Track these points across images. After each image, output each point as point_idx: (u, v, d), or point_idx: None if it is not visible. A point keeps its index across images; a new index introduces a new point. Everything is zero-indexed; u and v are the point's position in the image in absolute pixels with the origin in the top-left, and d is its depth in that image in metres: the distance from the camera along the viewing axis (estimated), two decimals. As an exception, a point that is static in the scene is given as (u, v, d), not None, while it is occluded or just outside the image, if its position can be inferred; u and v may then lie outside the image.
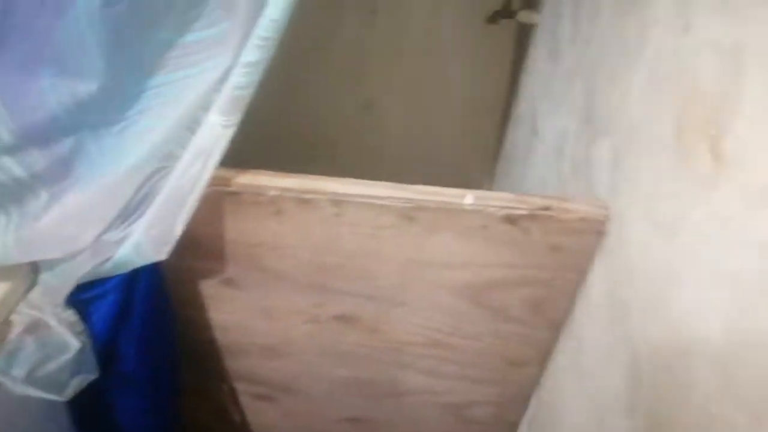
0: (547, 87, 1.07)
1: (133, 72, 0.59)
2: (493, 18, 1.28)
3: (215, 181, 0.66)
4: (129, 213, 0.64)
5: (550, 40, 1.09)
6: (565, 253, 0.69)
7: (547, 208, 0.64)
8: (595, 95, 0.77)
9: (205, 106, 0.62)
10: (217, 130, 0.62)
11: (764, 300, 0.34)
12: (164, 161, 0.63)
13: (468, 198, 0.65)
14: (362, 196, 0.66)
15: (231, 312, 0.84)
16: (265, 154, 1.69)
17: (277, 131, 1.67)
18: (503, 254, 0.70)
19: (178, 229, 0.64)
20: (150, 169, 0.63)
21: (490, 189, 1.72)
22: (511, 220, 0.65)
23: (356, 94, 1.65)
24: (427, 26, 1.54)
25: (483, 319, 0.80)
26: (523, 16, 1.24)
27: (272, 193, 0.67)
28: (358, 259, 0.73)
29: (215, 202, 0.69)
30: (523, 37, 1.38)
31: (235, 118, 0.62)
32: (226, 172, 0.67)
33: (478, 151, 1.70)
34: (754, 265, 0.35)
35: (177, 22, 0.59)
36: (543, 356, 0.84)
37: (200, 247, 0.74)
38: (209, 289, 0.81)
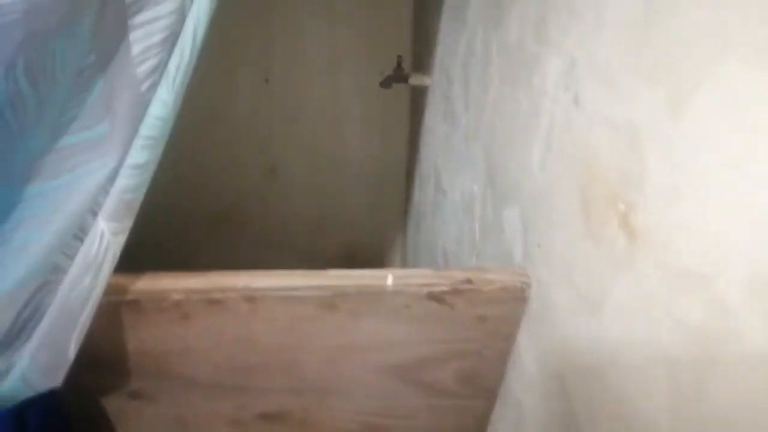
0: (447, 148, 1.09)
1: (1, 186, 0.52)
2: (387, 82, 1.31)
3: (111, 290, 0.60)
4: (11, 339, 0.55)
5: (443, 103, 1.12)
6: (491, 322, 0.68)
7: (468, 282, 0.63)
8: (496, 162, 0.79)
9: (92, 211, 0.56)
10: (107, 239, 0.56)
11: (705, 385, 0.34)
12: (49, 275, 0.56)
13: (388, 279, 0.63)
14: (277, 288, 0.62)
15: (141, 427, 0.75)
16: (170, 228, 1.60)
17: (179, 202, 1.59)
18: (429, 331, 0.68)
19: (72, 351, 0.57)
20: (32, 288, 0.55)
21: (402, 245, 1.73)
22: (434, 297, 0.63)
23: (259, 160, 1.61)
24: (322, 92, 1.55)
25: (416, 396, 0.77)
26: (415, 79, 1.27)
27: (176, 296, 0.61)
28: (278, 354, 0.68)
29: (112, 313, 0.62)
30: (417, 99, 1.42)
31: (126, 224, 0.57)
32: (122, 279, 0.61)
33: (385, 210, 1.70)
34: (689, 347, 0.35)
35: (50, 125, 0.54)
36: (482, 426, 0.82)
37: (99, 360, 0.66)
38: (114, 404, 0.72)
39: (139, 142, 0.56)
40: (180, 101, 0.56)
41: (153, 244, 1.59)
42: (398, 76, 1.29)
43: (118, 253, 0.57)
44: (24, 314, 0.56)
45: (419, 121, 1.36)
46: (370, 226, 1.72)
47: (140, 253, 1.38)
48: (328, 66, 1.51)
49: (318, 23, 1.48)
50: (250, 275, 0.63)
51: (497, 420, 0.81)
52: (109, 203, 0.56)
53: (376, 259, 1.74)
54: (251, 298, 0.62)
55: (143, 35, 0.55)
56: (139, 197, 0.57)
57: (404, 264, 1.66)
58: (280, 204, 1.66)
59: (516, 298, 0.65)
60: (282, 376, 0.71)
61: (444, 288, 0.63)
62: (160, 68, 0.56)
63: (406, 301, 0.64)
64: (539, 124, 0.63)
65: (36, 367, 0.56)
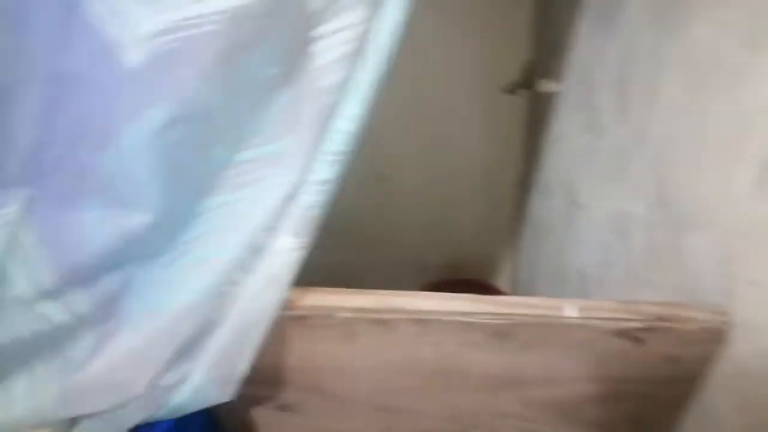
0: (588, 160, 1.02)
1: (184, 197, 0.51)
2: (511, 88, 1.25)
3: (282, 304, 0.58)
4: (187, 351, 0.55)
5: (583, 112, 1.05)
6: (682, 365, 0.61)
7: (663, 319, 0.57)
8: (672, 181, 0.72)
9: (271, 227, 0.54)
10: (288, 254, 0.54)
11: None
12: (228, 288, 0.55)
13: (572, 311, 0.57)
14: (448, 312, 0.58)
15: (283, 439, 0.73)
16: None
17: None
18: (608, 368, 0.62)
19: (246, 365, 0.55)
20: (209, 300, 0.54)
21: (511, 257, 1.66)
22: (624, 333, 0.58)
23: (366, 167, 1.59)
24: (436, 95, 1.50)
25: (571, 432, 0.71)
26: (543, 85, 1.20)
27: (345, 315, 0.58)
28: (437, 378, 0.65)
29: (279, 326, 0.60)
30: (540, 106, 1.35)
31: (308, 239, 0.54)
32: (291, 293, 0.59)
33: (495, 220, 1.64)
34: None
35: (234, 138, 0.52)
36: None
37: (257, 371, 0.64)
38: (262, 415, 0.71)
39: (326, 158, 0.54)
40: (366, 112, 0.53)
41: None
42: (525, 82, 1.22)
43: (296, 269, 0.55)
44: (201, 327, 0.54)
45: (542, 129, 1.29)
46: (478, 237, 1.67)
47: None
48: (442, 68, 1.47)
49: (435, 23, 1.44)
50: (421, 297, 0.60)
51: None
52: (293, 218, 0.54)
53: (483, 271, 1.69)
54: (420, 321, 0.58)
55: (326, 47, 0.53)
56: (322, 213, 0.54)
57: (516, 279, 1.59)
58: (386, 212, 1.64)
59: (713, 340, 0.58)
60: (436, 400, 0.68)
61: (636, 324, 0.57)
62: (346, 82, 0.53)
63: (590, 336, 0.58)
64: (750, 143, 0.56)
65: (209, 380, 0.55)
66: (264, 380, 0.65)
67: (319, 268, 1.69)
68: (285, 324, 0.60)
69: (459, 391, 0.66)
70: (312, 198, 0.53)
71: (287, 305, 0.59)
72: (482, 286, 1.64)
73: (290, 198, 0.53)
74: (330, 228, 1.68)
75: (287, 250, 0.54)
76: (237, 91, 0.51)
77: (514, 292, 1.60)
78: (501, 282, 1.69)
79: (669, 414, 0.69)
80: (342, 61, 0.53)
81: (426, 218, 1.65)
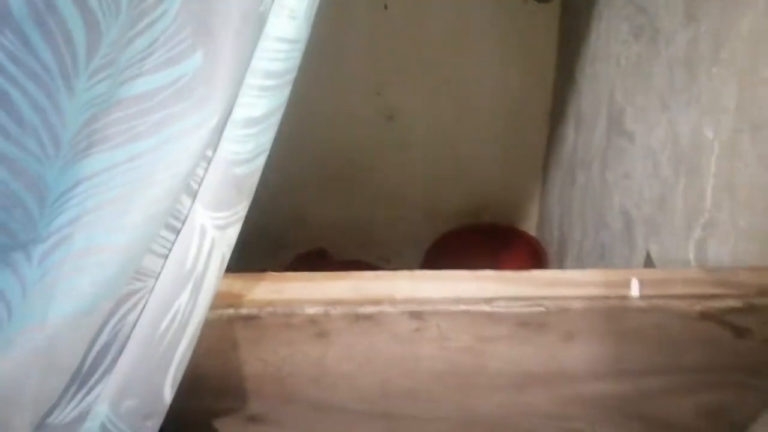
0: (638, 77, 0.81)
1: (48, 158, 0.33)
2: (542, -6, 1.02)
3: (219, 301, 0.42)
4: (84, 378, 0.39)
5: (631, 15, 0.83)
6: (782, 348, 0.43)
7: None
8: (764, 97, 0.51)
9: (188, 190, 0.37)
10: (210, 236, 0.37)
11: None
12: (133, 283, 0.38)
13: (633, 287, 0.39)
14: (455, 300, 0.41)
15: (262, 451, 0.59)
16: (275, 185, 1.45)
17: (285, 156, 1.41)
18: (685, 359, 0.44)
19: (168, 393, 0.40)
20: (107, 306, 0.38)
21: (541, 199, 1.46)
22: (712, 316, 0.40)
23: (375, 105, 1.39)
24: (451, 16, 1.28)
25: (629, 431, 0.55)
26: (581, -13, 0.98)
27: (311, 310, 0.42)
28: (447, 378, 0.48)
29: (223, 329, 0.44)
30: (575, 15, 1.12)
31: (238, 212, 0.37)
32: (235, 283, 0.43)
33: (521, 156, 1.43)
34: None
35: (113, 63, 0.34)
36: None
37: (209, 383, 0.49)
38: (229, 428, 0.56)
39: (254, 82, 0.36)
40: (315, 9, 0.35)
41: (257, 203, 1.44)
42: (558, -15, 1.00)
43: (227, 256, 0.38)
44: (99, 342, 0.38)
45: (579, 43, 1.07)
46: (501, 177, 1.46)
47: (249, 212, 1.23)
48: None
49: None
50: (414, 278, 0.42)
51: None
52: (211, 182, 0.36)
53: (509, 215, 1.49)
54: (418, 313, 0.41)
55: None
56: (256, 171, 0.37)
57: (545, 223, 1.40)
58: (399, 154, 1.44)
59: None
60: (448, 404, 0.52)
61: (732, 303, 0.39)
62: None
63: (658, 321, 0.40)
64: None
65: (120, 415, 0.39)
66: (220, 392, 0.50)
67: (322, 222, 1.54)
68: (232, 325, 0.43)
69: (477, 392, 0.49)
70: (236, 147, 0.35)
71: (232, 301, 0.42)
72: (509, 232, 1.45)
73: (209, 148, 0.36)
74: (333, 175, 1.51)
75: (207, 230, 0.36)
76: None
77: (542, 238, 1.41)
78: (529, 227, 1.50)
79: (754, 405, 0.51)
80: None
81: (444, 159, 1.45)
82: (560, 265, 1.22)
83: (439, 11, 1.26)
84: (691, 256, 0.66)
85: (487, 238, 1.43)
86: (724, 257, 0.59)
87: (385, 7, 1.26)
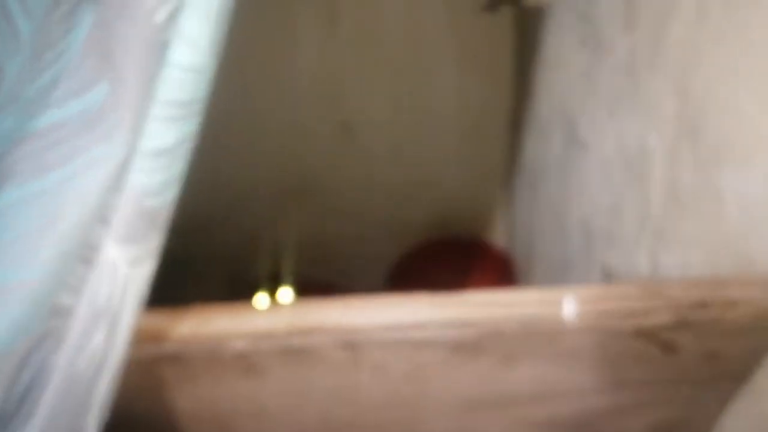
0: (588, 85, 0.81)
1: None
2: (492, 4, 1.02)
3: (143, 336, 0.40)
4: (6, 418, 0.37)
5: (580, 25, 0.83)
6: (723, 361, 0.43)
7: (702, 305, 0.38)
8: (705, 102, 0.51)
9: (93, 229, 0.35)
10: (122, 273, 0.35)
11: None
12: (50, 321, 0.36)
13: (567, 307, 0.38)
14: (388, 328, 0.40)
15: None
16: (228, 206, 1.42)
17: (237, 174, 1.39)
18: (624, 374, 0.43)
19: (87, 439, 0.38)
20: (24, 345, 0.36)
21: (506, 213, 1.46)
22: (645, 334, 0.39)
23: (330, 118, 1.37)
24: (403, 27, 1.28)
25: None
26: (531, -2, 0.98)
27: (239, 344, 0.40)
28: (390, 409, 0.47)
29: (148, 367, 0.42)
30: (528, 26, 1.13)
31: (151, 245, 0.36)
32: (155, 319, 0.41)
33: (484, 170, 1.43)
34: None
35: (16, 97, 0.33)
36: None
37: (135, 426, 0.47)
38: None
39: (160, 112, 0.34)
40: (219, 37, 0.33)
41: (207, 225, 1.41)
42: (508, -3, 1.00)
43: (143, 291, 0.37)
44: (21, 381, 0.36)
45: (533, 54, 1.07)
46: (464, 189, 1.45)
47: (195, 238, 1.19)
48: (409, -3, 1.24)
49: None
50: (344, 307, 0.41)
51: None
52: (121, 216, 0.35)
53: (474, 227, 1.49)
54: (350, 344, 0.40)
55: None
56: (168, 202, 0.35)
57: (512, 234, 1.39)
58: (357, 168, 1.42)
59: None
60: (395, 431, 0.50)
61: (665, 319, 0.38)
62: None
63: (598, 340, 0.40)
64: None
65: (43, 459, 0.37)
66: (150, 431, 0.48)
67: (281, 239, 1.50)
68: (158, 363, 0.41)
69: (422, 419, 0.48)
70: (147, 179, 0.34)
71: (153, 338, 0.40)
72: (476, 246, 1.44)
73: (115, 182, 0.34)
74: (290, 189, 1.49)
75: (119, 266, 0.35)
76: (3, 19, 0.31)
77: (510, 249, 1.41)
78: (497, 238, 1.50)
79: (706, 419, 0.51)
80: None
81: (404, 171, 1.44)
82: (529, 278, 1.21)
83: (390, 23, 1.26)
84: (644, 263, 0.66)
85: (453, 252, 1.41)
86: (672, 265, 0.59)
87: (332, 21, 1.25)
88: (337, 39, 1.26)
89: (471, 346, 0.40)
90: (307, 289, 1.33)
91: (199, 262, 1.37)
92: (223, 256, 1.43)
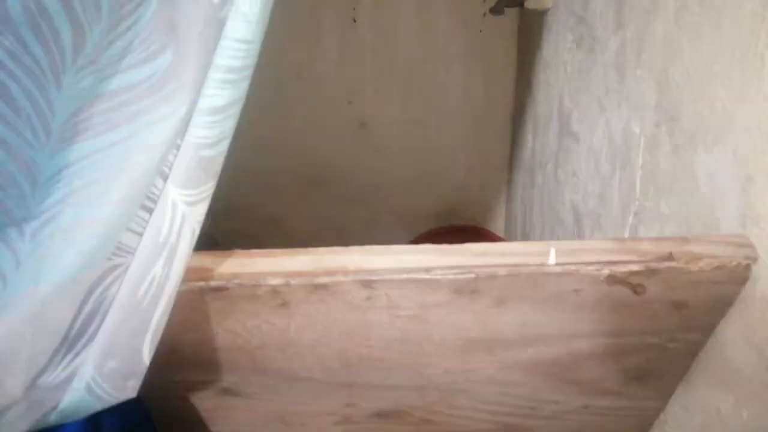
0: (581, 81, 0.88)
1: (40, 144, 0.39)
2: (498, 8, 1.10)
3: (192, 275, 0.47)
4: (72, 342, 0.44)
5: (575, 26, 0.90)
6: (691, 311, 0.50)
7: (668, 258, 0.45)
8: (679, 91, 0.58)
9: (162, 173, 0.43)
10: (181, 211, 0.42)
11: None
12: (114, 258, 0.44)
13: (550, 256, 0.46)
14: (401, 270, 0.47)
15: (236, 425, 0.64)
16: (254, 191, 1.51)
17: (262, 164, 1.47)
18: (601, 321, 0.51)
19: (146, 356, 0.45)
20: (92, 277, 0.43)
21: (507, 200, 1.54)
22: (617, 280, 0.46)
23: (348, 114, 1.46)
24: (417, 29, 1.35)
25: (569, 395, 0.61)
26: (534, 2, 1.05)
27: (273, 281, 0.47)
28: (398, 347, 0.54)
29: (196, 301, 0.49)
30: (530, 27, 1.20)
31: (205, 190, 0.43)
32: (205, 259, 0.48)
33: (488, 161, 1.51)
34: None
35: (94, 61, 0.40)
36: (645, 430, 0.65)
37: (182, 355, 0.54)
38: (204, 401, 0.61)
39: (216, 76, 0.41)
40: (268, 16, 0.41)
41: (235, 208, 1.50)
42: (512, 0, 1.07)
43: (197, 229, 0.44)
44: (85, 310, 0.44)
45: (534, 54, 1.15)
46: (469, 180, 1.54)
47: (224, 220, 1.28)
48: (421, 0, 1.31)
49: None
50: (365, 252, 0.48)
51: (670, 424, 0.63)
52: (181, 163, 0.42)
53: (478, 216, 1.56)
54: (368, 282, 0.47)
55: None
56: (220, 154, 0.42)
57: (511, 222, 1.47)
58: (372, 160, 1.50)
59: (732, 280, 0.46)
60: (401, 371, 0.57)
61: (634, 267, 0.45)
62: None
63: (575, 285, 0.47)
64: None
65: (104, 376, 0.44)
66: (194, 364, 0.55)
67: (298, 227, 1.59)
68: (203, 297, 0.49)
69: (426, 358, 0.55)
70: (202, 132, 0.41)
71: (201, 275, 0.48)
72: (476, 232, 1.52)
73: (179, 135, 0.42)
74: (311, 180, 1.57)
75: (178, 205, 0.42)
76: None
77: (509, 237, 1.49)
78: (497, 228, 1.57)
79: (678, 367, 0.58)
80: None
81: (414, 163, 1.52)
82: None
83: (405, 24, 1.33)
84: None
85: (457, 239, 1.48)
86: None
87: (354, 20, 1.33)
88: (357, 39, 1.33)
89: (469, 288, 0.47)
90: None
91: (226, 240, 1.45)
92: (247, 237, 1.52)
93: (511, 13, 1.24)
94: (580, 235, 0.92)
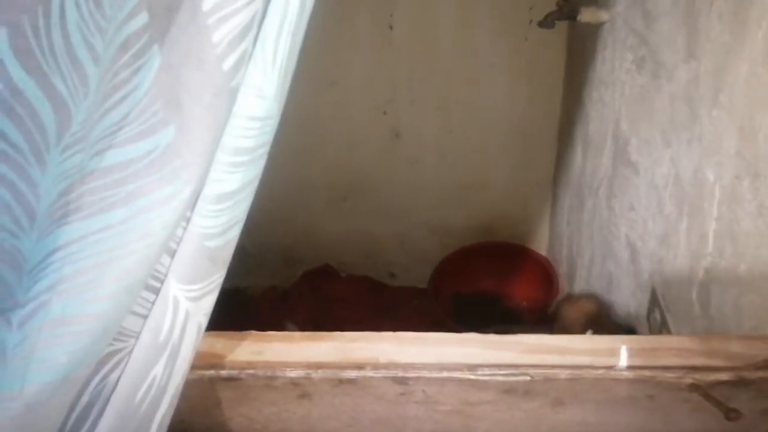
0: (642, 107, 0.79)
1: (23, 231, 0.33)
2: (548, 21, 1.01)
3: (201, 361, 0.41)
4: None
5: (635, 46, 0.81)
6: (779, 416, 0.42)
7: (764, 366, 0.37)
8: (765, 144, 0.50)
9: (157, 267, 0.37)
10: (184, 308, 0.36)
11: None
12: (114, 344, 0.38)
13: (621, 358, 0.38)
14: (439, 367, 0.40)
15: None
16: (288, 202, 1.46)
17: (295, 175, 1.42)
18: (676, 425, 0.43)
19: (147, 460, 0.39)
20: (87, 370, 0.38)
21: (550, 219, 1.45)
22: (700, 389, 0.38)
23: (383, 124, 1.39)
24: (456, 38, 1.27)
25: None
26: (586, 14, 0.96)
27: (292, 374, 0.41)
28: (435, 437, 0.47)
29: (206, 389, 0.43)
30: (581, 42, 1.11)
31: (213, 281, 0.37)
32: (216, 342, 0.42)
33: (529, 178, 1.42)
34: None
35: (84, 136, 0.34)
36: None
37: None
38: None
39: (224, 159, 0.35)
40: (287, 86, 0.34)
41: (268, 221, 1.45)
42: (564, 12, 0.98)
43: (204, 323, 0.38)
44: (81, 402, 0.39)
45: (586, 70, 1.05)
46: (509, 196, 1.45)
47: (257, 232, 1.22)
48: (462, 6, 1.23)
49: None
50: (398, 341, 0.41)
51: None
52: (183, 256, 0.36)
53: (519, 234, 1.48)
54: (402, 379, 0.41)
55: None
56: (229, 245, 0.36)
57: (555, 243, 1.38)
58: (407, 173, 1.43)
59: None
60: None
61: (723, 377, 0.38)
62: (252, 30, 0.34)
63: (649, 391, 0.39)
64: None
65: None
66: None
67: (330, 239, 1.53)
68: (214, 385, 0.43)
69: (468, 451, 0.48)
70: (207, 222, 0.35)
71: (211, 361, 0.42)
72: (519, 250, 1.44)
73: (181, 219, 0.36)
74: (343, 191, 1.51)
75: (180, 302, 0.36)
76: (69, 57, 0.31)
77: (553, 258, 1.40)
78: (539, 246, 1.49)
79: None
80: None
81: (451, 177, 1.44)
82: (571, 286, 1.20)
83: (445, 32, 1.25)
84: (694, 297, 0.65)
85: (496, 256, 1.41)
86: (726, 305, 0.58)
87: (391, 27, 1.25)
88: (393, 46, 1.26)
89: (522, 389, 0.40)
90: (353, 284, 1.41)
91: (258, 252, 1.43)
92: (279, 250, 1.49)
93: (561, 23, 1.15)
94: (637, 276, 0.83)
